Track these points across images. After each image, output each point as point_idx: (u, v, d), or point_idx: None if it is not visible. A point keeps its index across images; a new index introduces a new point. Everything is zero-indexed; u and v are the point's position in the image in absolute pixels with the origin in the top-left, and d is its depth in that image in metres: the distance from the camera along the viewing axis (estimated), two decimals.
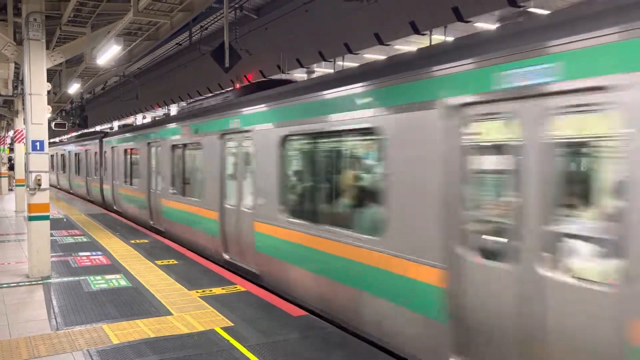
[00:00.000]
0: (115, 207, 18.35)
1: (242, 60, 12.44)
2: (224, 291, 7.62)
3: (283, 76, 17.31)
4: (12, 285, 7.96)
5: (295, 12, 14.16)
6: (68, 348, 5.38)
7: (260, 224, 8.05)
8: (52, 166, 30.97)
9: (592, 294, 3.51)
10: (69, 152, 27.65)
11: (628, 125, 3.34)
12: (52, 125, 20.57)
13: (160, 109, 27.65)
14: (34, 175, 8.34)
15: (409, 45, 13.34)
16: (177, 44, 20.00)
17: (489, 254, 4.30)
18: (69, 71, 15.70)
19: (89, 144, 22.41)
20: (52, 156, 31.19)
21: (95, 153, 21.07)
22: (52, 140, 35.60)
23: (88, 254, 10.46)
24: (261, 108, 8.14)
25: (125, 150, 16.87)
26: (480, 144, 4.50)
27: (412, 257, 4.94)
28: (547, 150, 3.85)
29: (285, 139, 7.44)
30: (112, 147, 18.35)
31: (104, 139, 19.91)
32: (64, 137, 37.70)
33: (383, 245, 5.33)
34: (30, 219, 8.49)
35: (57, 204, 20.56)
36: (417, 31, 11.29)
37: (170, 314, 6.53)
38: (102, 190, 20.26)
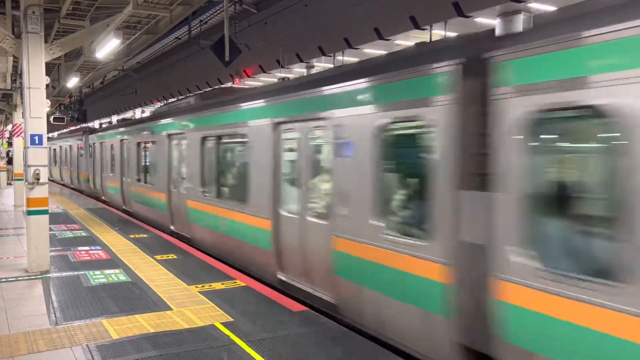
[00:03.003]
0: None
1: (241, 54, 12.38)
2: (223, 286, 7.61)
3: (283, 71, 17.23)
4: (10, 280, 7.96)
5: (295, 7, 14.13)
6: (67, 343, 5.37)
7: None
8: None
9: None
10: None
11: None
12: (51, 119, 20.49)
13: (159, 103, 27.56)
14: (32, 169, 8.31)
15: (410, 40, 13.29)
16: (176, 38, 19.93)
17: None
18: (68, 65, 15.65)
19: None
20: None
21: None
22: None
23: (87, 248, 10.45)
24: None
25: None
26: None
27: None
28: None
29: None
30: None
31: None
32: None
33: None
34: (29, 213, 8.47)
35: None
36: (417, 26, 11.28)
37: (169, 309, 6.53)
38: None
